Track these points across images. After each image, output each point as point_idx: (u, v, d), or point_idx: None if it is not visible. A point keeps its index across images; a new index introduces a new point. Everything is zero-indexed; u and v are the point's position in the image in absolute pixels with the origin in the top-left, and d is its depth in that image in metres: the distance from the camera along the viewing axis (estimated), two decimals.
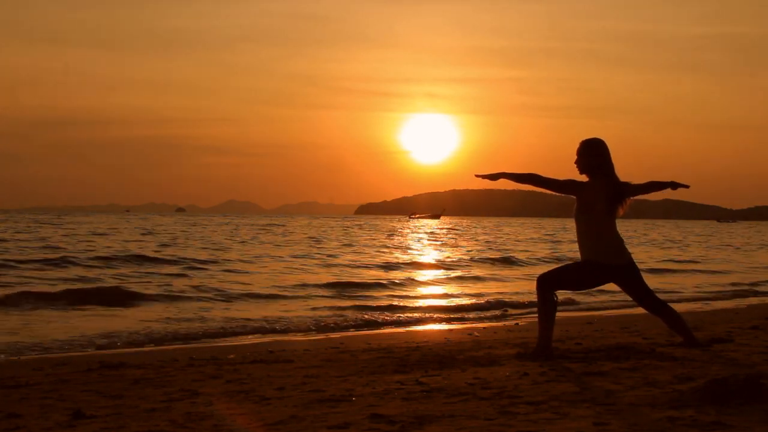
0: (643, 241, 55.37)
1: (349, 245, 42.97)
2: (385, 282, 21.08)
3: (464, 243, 48.43)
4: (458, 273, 24.75)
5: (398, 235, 61.84)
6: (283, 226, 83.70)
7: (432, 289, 20.01)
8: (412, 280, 22.18)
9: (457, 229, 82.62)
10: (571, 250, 37.56)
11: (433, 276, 23.82)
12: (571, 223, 6.98)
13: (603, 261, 6.74)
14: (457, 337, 10.20)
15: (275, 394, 5.71)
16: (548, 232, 73.91)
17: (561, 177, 6.88)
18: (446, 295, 18.30)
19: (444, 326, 12.89)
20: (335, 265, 27.08)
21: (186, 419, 4.94)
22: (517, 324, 12.53)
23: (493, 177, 6.85)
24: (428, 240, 53.03)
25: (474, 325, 12.89)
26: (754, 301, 17.38)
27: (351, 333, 11.98)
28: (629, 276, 6.81)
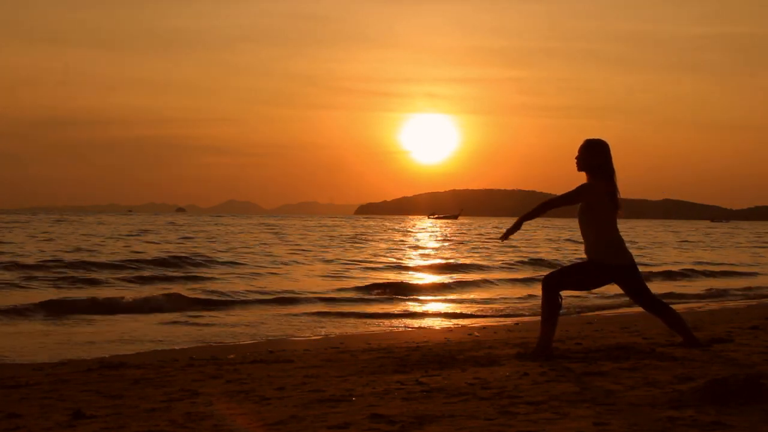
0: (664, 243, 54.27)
1: (399, 246, 42.88)
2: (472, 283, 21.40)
3: (510, 244, 48.01)
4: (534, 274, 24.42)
5: (437, 236, 60.96)
6: (294, 226, 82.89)
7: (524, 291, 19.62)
8: (487, 281, 22.25)
9: (485, 230, 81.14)
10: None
11: (507, 277, 23.55)
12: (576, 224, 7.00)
13: (606, 261, 6.75)
14: (457, 337, 10.21)
15: (275, 394, 5.71)
16: (569, 233, 72.39)
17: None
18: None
19: (444, 326, 12.89)
20: (403, 268, 26.90)
21: (186, 419, 4.94)
22: (517, 324, 12.53)
23: (517, 227, 6.87)
24: (471, 240, 52.39)
25: (474, 325, 12.88)
26: (755, 301, 17.38)
27: (353, 333, 11.97)
28: (630, 276, 6.82)
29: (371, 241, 49.87)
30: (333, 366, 7.14)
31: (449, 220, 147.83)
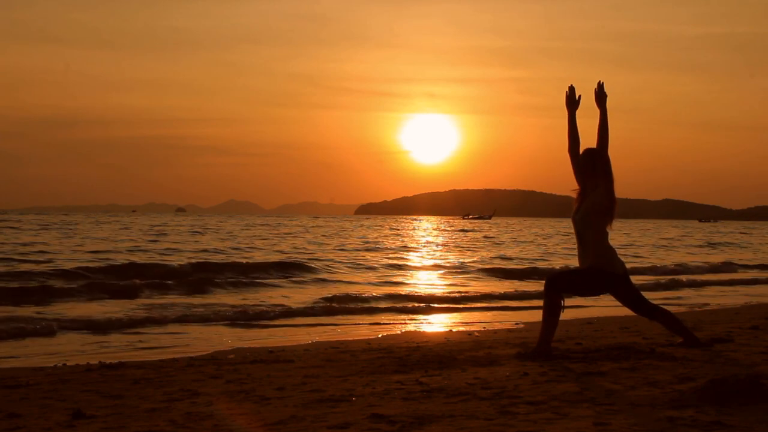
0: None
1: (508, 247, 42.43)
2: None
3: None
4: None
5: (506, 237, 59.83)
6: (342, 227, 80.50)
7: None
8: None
9: (534, 230, 79.44)
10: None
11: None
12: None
13: (607, 269, 6.76)
14: (457, 337, 10.20)
15: (275, 394, 5.71)
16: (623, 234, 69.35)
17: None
18: None
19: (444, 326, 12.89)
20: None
21: (186, 419, 4.94)
22: (517, 324, 12.53)
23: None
24: (557, 241, 51.87)
25: (474, 326, 12.88)
26: (756, 300, 17.37)
27: (356, 336, 11.96)
28: (627, 284, 6.85)
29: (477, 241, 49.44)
30: (333, 366, 7.14)
31: (484, 221, 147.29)
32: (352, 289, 18.42)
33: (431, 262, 29.12)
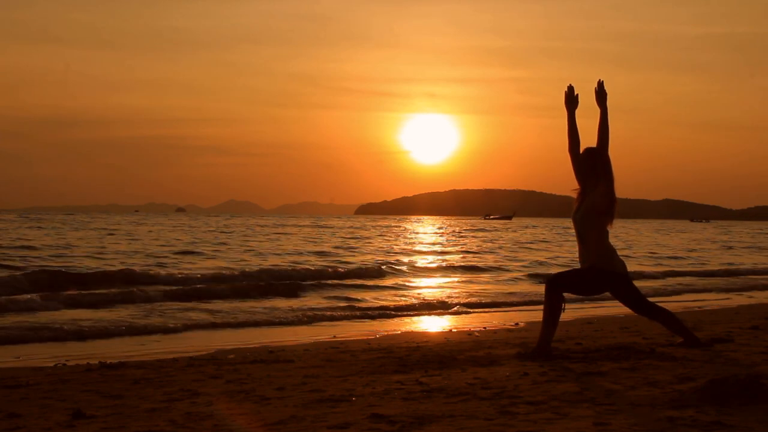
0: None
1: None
2: None
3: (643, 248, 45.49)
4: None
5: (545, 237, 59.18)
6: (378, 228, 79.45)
7: None
8: None
9: (563, 233, 78.83)
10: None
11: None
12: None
13: (607, 268, 6.75)
14: (457, 337, 10.20)
15: (275, 394, 5.72)
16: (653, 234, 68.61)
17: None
18: None
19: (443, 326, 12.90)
20: None
21: (186, 419, 4.94)
22: (517, 324, 12.53)
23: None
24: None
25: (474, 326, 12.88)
26: (754, 300, 17.36)
27: (356, 336, 11.95)
28: (627, 284, 6.85)
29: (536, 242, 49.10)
30: (333, 366, 7.14)
31: (505, 221, 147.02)
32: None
33: (500, 265, 28.80)
